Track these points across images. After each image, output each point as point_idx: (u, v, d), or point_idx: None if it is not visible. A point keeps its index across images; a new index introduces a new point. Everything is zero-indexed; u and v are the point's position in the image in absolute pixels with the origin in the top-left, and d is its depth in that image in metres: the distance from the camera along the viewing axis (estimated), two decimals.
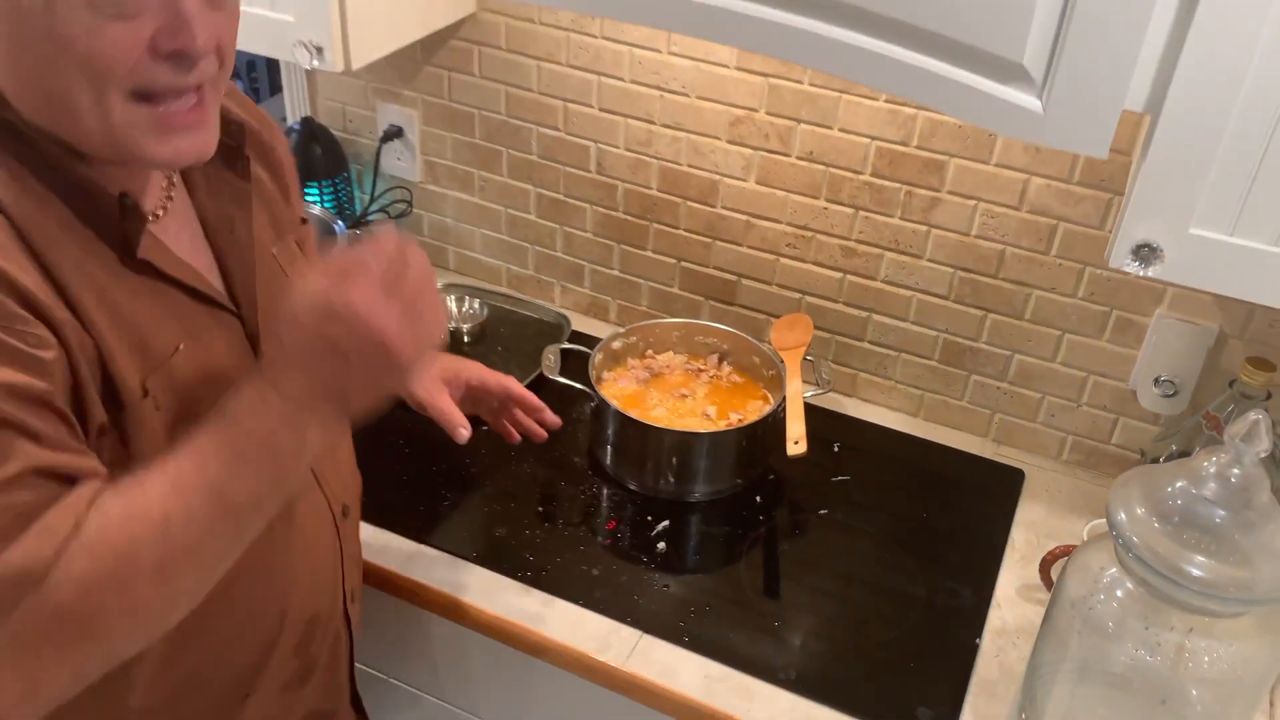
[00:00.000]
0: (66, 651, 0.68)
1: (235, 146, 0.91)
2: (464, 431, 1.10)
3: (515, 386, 1.26)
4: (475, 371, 1.25)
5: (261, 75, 2.51)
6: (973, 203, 1.38)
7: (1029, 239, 1.37)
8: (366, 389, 0.77)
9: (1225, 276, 0.97)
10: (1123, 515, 0.93)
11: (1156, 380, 1.36)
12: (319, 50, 1.30)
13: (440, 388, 1.16)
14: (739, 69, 1.41)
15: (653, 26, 1.12)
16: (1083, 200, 1.32)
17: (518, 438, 1.29)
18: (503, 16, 1.52)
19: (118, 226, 0.79)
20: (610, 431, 1.38)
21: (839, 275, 1.50)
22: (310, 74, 1.73)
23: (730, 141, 1.47)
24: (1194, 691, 1.03)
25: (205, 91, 0.77)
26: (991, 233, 1.39)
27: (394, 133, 1.69)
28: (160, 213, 0.86)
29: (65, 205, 0.76)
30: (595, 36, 1.48)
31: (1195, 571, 0.88)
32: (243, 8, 1.26)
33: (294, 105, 1.77)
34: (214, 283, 0.89)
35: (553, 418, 1.28)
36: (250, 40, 1.32)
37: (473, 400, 1.25)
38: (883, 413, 1.57)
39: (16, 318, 0.70)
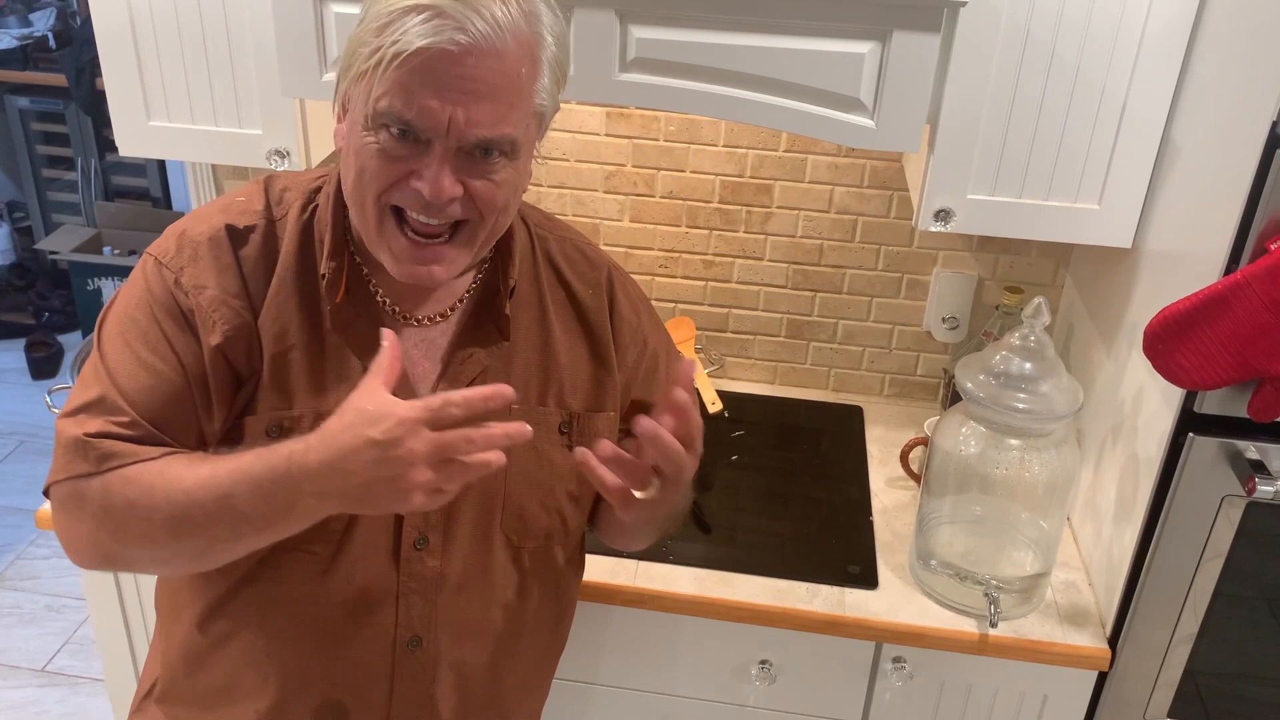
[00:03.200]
0: (117, 538, 0.99)
1: (495, 303, 1.09)
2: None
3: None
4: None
5: None
6: (796, 212, 1.86)
7: (839, 232, 1.86)
8: (362, 506, 0.92)
9: (994, 223, 1.48)
10: (968, 383, 1.40)
11: (943, 319, 1.88)
12: (286, 154, 1.59)
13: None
14: (608, 135, 1.83)
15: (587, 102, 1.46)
16: (873, 199, 1.83)
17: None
18: None
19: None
20: None
21: (702, 283, 1.94)
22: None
23: (606, 191, 1.87)
24: (1023, 515, 1.52)
25: (456, 233, 0.99)
26: (812, 232, 1.87)
27: None
28: (435, 318, 1.09)
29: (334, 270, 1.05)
30: None
31: (1019, 405, 1.37)
32: (215, 127, 1.51)
33: None
34: (414, 390, 1.06)
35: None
36: (226, 154, 1.59)
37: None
38: (750, 385, 2.01)
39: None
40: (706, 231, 1.89)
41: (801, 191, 1.84)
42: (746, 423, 1.89)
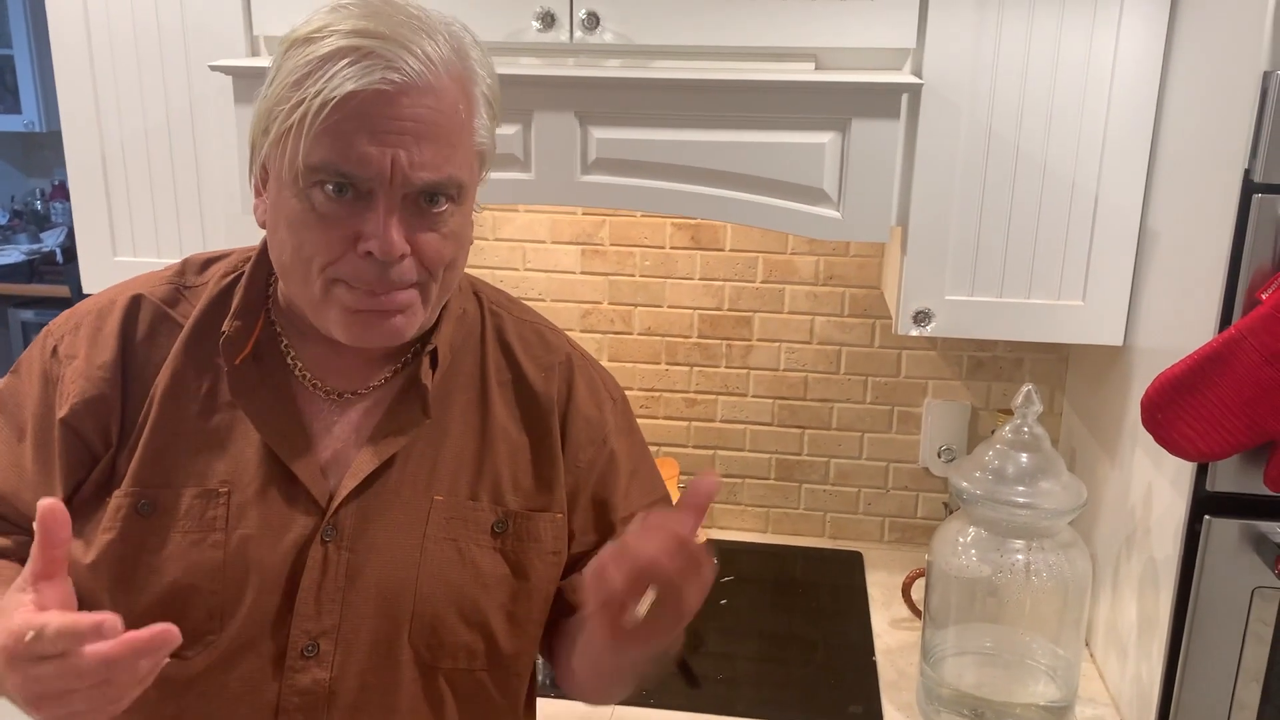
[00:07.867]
0: None
1: (415, 375, 0.97)
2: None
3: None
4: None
5: None
6: (777, 344, 1.81)
7: (822, 364, 1.81)
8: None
9: (976, 324, 1.42)
10: (964, 483, 1.30)
11: (939, 452, 1.79)
12: None
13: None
14: (583, 273, 1.81)
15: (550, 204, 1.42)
16: (855, 327, 1.78)
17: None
18: None
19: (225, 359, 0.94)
20: None
21: (685, 423, 1.86)
22: None
23: (583, 330, 1.84)
24: (1036, 641, 1.38)
25: (409, 290, 0.89)
26: (795, 364, 1.81)
27: None
28: (361, 393, 0.97)
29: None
30: None
31: (1020, 499, 1.26)
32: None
33: None
34: (317, 470, 0.94)
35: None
36: None
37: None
38: (741, 534, 1.89)
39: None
40: (687, 368, 1.84)
41: (781, 322, 1.80)
42: (738, 568, 1.77)
